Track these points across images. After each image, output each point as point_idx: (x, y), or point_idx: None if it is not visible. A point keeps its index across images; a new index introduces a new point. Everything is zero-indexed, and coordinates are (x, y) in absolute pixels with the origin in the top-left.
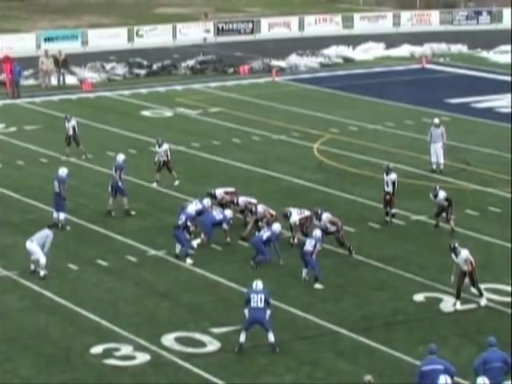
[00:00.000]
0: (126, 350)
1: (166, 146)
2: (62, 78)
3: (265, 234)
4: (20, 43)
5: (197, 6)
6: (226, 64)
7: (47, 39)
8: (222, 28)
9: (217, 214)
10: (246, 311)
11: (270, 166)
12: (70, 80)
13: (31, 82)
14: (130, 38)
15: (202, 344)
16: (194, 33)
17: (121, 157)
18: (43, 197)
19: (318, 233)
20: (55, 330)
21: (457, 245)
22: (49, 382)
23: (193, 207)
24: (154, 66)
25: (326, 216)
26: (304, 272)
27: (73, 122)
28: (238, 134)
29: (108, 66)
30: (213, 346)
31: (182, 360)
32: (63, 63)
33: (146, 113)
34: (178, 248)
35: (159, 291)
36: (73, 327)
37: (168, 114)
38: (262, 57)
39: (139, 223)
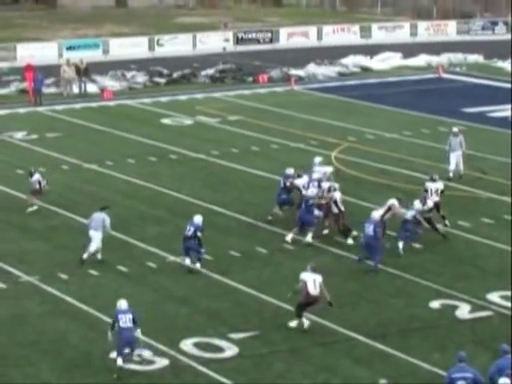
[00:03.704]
0: (145, 354)
1: None
2: (83, 86)
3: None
4: (42, 52)
5: (216, 16)
6: (245, 73)
7: (69, 48)
8: (242, 37)
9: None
10: (114, 332)
11: None
12: (92, 88)
13: (53, 90)
14: (151, 47)
15: (221, 349)
16: (214, 42)
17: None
18: (64, 203)
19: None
20: (75, 334)
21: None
22: None
23: (199, 218)
24: (174, 75)
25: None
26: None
27: (37, 176)
28: (257, 142)
29: (129, 75)
30: (231, 351)
31: (201, 365)
32: (84, 72)
33: (166, 121)
34: (188, 261)
35: (178, 297)
36: (93, 332)
37: (188, 121)
38: (281, 66)
39: (159, 230)
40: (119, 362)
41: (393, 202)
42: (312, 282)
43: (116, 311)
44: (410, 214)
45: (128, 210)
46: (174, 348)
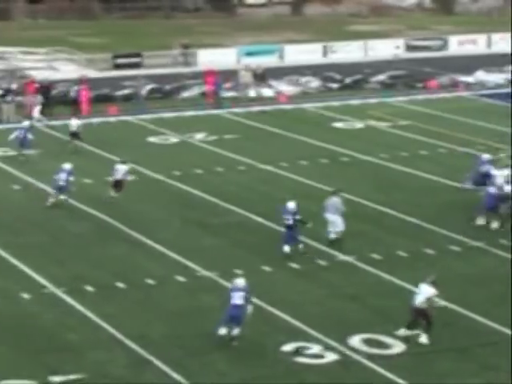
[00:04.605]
0: (315, 348)
1: None
2: (259, 90)
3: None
4: (222, 57)
5: (388, 24)
6: (416, 79)
7: (247, 54)
8: (413, 45)
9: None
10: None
11: (456, 177)
12: (267, 92)
13: (231, 93)
14: (325, 54)
15: (388, 346)
16: (385, 49)
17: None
18: (240, 202)
19: None
20: (249, 327)
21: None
22: (243, 377)
23: (293, 204)
24: (347, 80)
25: None
26: None
27: (122, 167)
28: (426, 147)
29: (303, 80)
30: (398, 348)
31: (368, 360)
32: (261, 76)
33: (337, 124)
34: (287, 248)
35: (347, 294)
36: (266, 325)
37: (359, 125)
38: (450, 72)
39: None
40: (222, 331)
41: None
42: (417, 294)
43: (232, 288)
44: None
45: (300, 210)
46: (342, 343)
